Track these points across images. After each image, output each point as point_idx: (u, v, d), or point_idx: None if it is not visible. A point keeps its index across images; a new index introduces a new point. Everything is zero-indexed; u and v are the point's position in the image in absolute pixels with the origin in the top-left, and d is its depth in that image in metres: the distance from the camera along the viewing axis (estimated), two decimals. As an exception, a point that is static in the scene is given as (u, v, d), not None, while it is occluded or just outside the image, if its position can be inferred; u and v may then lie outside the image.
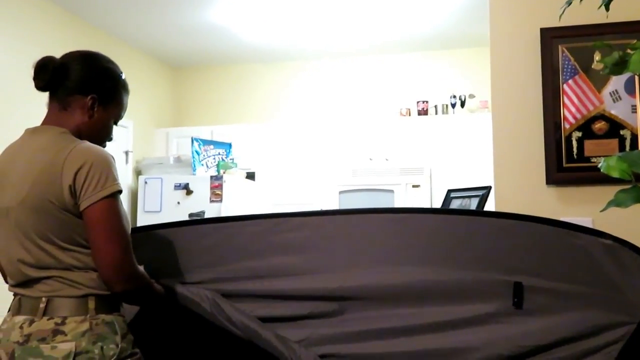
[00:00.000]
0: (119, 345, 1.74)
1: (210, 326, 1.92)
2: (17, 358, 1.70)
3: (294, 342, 1.84)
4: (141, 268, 1.80)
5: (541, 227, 1.84)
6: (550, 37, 2.60)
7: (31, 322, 1.72)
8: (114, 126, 1.98)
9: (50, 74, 1.88)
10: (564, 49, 2.59)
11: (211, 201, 5.93)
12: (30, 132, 1.88)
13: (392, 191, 6.02)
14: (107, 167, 1.75)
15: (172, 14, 5.64)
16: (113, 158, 1.80)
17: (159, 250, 1.96)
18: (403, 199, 5.96)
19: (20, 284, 1.79)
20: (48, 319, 1.71)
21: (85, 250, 1.75)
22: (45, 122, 1.91)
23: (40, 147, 1.79)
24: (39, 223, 1.73)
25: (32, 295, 1.76)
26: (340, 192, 6.18)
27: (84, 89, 1.88)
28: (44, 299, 1.73)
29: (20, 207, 1.75)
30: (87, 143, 1.80)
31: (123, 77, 2.00)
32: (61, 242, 1.73)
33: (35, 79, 1.88)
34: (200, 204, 5.89)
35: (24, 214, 1.74)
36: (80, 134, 1.85)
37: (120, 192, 1.76)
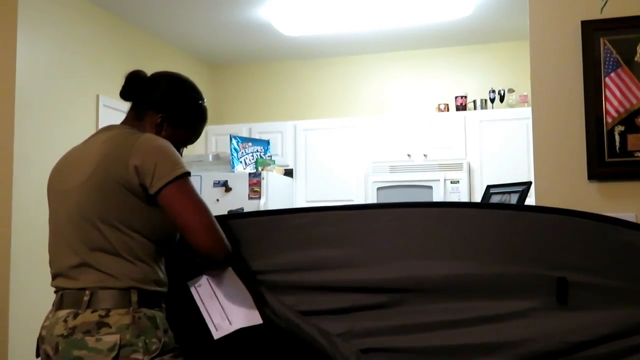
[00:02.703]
0: (162, 340, 1.77)
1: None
2: (61, 351, 1.74)
3: (335, 336, 1.86)
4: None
5: (585, 222, 1.81)
6: (592, 30, 2.56)
7: (75, 315, 1.76)
8: (184, 148, 2.10)
9: (133, 86, 2.01)
10: (605, 42, 2.55)
11: (250, 198, 5.97)
12: (102, 129, 2.00)
13: (430, 187, 5.98)
14: (174, 152, 1.85)
15: (211, 11, 5.68)
16: None
17: None
18: (442, 195, 5.92)
19: (63, 272, 1.84)
20: (92, 312, 1.75)
21: (139, 237, 1.80)
22: (121, 123, 2.03)
23: (108, 137, 1.90)
24: (99, 202, 1.80)
25: (74, 287, 1.80)
26: (379, 189, 6.17)
27: (158, 107, 1.99)
28: (87, 292, 1.77)
29: (83, 187, 1.82)
30: (152, 134, 1.92)
31: (203, 105, 2.10)
32: (118, 223, 1.79)
33: (122, 87, 2.01)
34: (239, 201, 5.93)
35: (86, 193, 1.81)
36: None
37: (189, 173, 1.85)
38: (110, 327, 1.73)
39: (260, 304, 1.91)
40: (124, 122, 2.01)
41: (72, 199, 1.84)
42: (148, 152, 1.80)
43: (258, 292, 1.92)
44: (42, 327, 1.85)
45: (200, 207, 1.81)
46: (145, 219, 1.81)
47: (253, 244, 1.98)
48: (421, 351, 1.82)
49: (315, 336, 1.86)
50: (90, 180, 1.81)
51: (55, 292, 1.87)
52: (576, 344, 1.74)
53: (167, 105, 1.99)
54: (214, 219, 1.83)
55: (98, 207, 1.80)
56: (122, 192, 1.79)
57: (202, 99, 2.10)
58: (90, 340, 1.72)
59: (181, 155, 2.06)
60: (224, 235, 1.83)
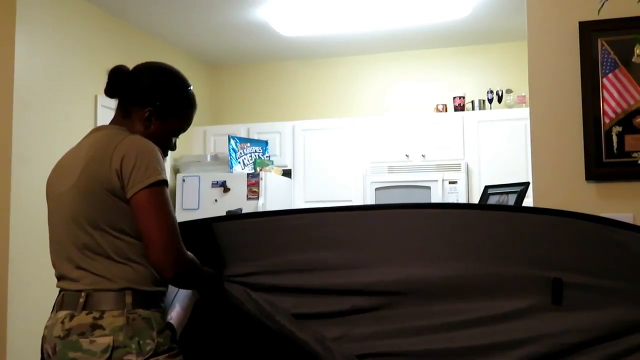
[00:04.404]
0: (156, 340, 1.77)
1: (252, 322, 1.94)
2: (58, 352, 1.76)
3: (330, 341, 1.85)
4: (190, 253, 1.83)
5: (580, 222, 1.81)
6: (589, 31, 2.57)
7: (72, 316, 1.77)
8: (176, 138, 2.05)
9: (116, 82, 1.97)
10: (603, 43, 2.55)
11: (248, 198, 5.97)
12: (93, 130, 1.98)
13: (428, 188, 5.99)
14: (154, 157, 1.81)
15: (209, 12, 5.68)
16: (161, 152, 1.87)
17: (200, 244, 1.99)
18: (440, 196, 5.93)
19: (63, 274, 1.85)
20: (87, 314, 1.76)
21: (128, 239, 1.80)
22: (109, 123, 2.00)
23: (96, 139, 1.89)
24: (87, 207, 1.79)
25: (73, 289, 1.80)
26: (377, 189, 6.17)
27: (143, 101, 1.95)
28: (83, 294, 1.78)
29: (72, 191, 1.82)
30: (138, 135, 1.88)
31: (190, 91, 2.04)
32: (107, 227, 1.78)
33: (106, 85, 1.97)
34: (237, 201, 5.93)
35: (75, 198, 1.81)
36: None
37: (166, 182, 1.81)
38: (104, 329, 1.73)
39: (255, 311, 1.91)
40: (113, 121, 1.99)
41: (64, 203, 1.84)
42: (128, 156, 1.78)
43: (254, 300, 1.92)
44: (45, 327, 1.86)
45: (165, 222, 1.76)
46: (133, 221, 1.79)
47: (251, 245, 1.98)
48: (418, 355, 1.82)
49: (311, 344, 1.85)
50: (77, 184, 1.81)
51: (59, 291, 1.88)
52: (572, 345, 1.74)
53: (152, 99, 1.95)
54: (177, 236, 1.78)
55: (86, 211, 1.79)
56: (107, 196, 1.78)
57: (188, 86, 2.04)
58: (84, 342, 1.73)
59: (174, 145, 2.05)
60: (183, 254, 1.79)
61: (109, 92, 1.98)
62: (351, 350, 1.84)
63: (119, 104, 2.00)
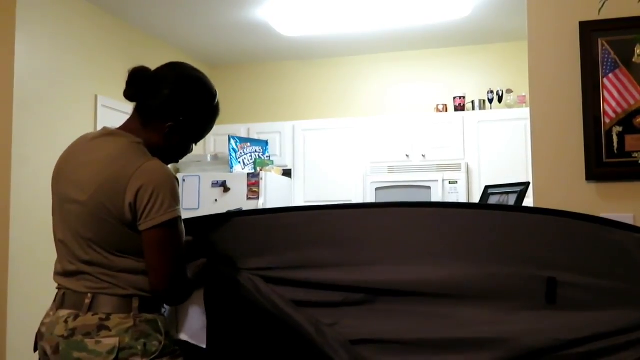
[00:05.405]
0: (162, 343, 1.77)
1: (251, 307, 1.94)
2: (61, 352, 1.73)
3: (325, 326, 1.86)
4: (189, 277, 1.85)
5: (575, 222, 1.83)
6: (590, 31, 2.56)
7: (76, 316, 1.75)
8: (195, 144, 2.02)
9: (136, 87, 1.87)
10: (603, 43, 2.55)
11: (248, 198, 5.97)
12: (108, 134, 1.87)
13: (429, 188, 5.99)
14: (170, 191, 1.77)
15: (209, 12, 5.68)
16: (177, 181, 1.82)
17: (202, 240, 2.00)
18: (440, 196, 5.93)
19: (65, 271, 1.82)
20: (93, 315, 1.74)
21: (135, 258, 1.78)
22: (124, 127, 1.90)
23: (112, 153, 1.80)
24: (95, 230, 1.76)
25: (77, 289, 1.79)
26: (377, 189, 6.17)
27: (164, 115, 1.86)
28: (89, 295, 1.76)
29: (80, 208, 1.78)
30: (157, 162, 1.80)
31: (215, 105, 1.99)
32: (113, 250, 1.77)
33: (125, 87, 1.88)
34: (238, 201, 5.93)
35: (83, 217, 1.77)
36: (152, 151, 1.85)
37: (180, 218, 1.79)
38: (110, 330, 1.72)
39: (252, 289, 1.92)
40: (129, 126, 1.88)
41: (70, 213, 1.81)
42: (143, 189, 1.73)
43: (251, 280, 1.92)
44: (42, 324, 1.84)
45: (170, 258, 1.76)
46: (141, 246, 1.77)
47: (249, 241, 1.99)
48: (412, 343, 1.83)
49: (305, 325, 1.86)
50: (88, 203, 1.76)
51: (57, 288, 1.86)
52: (565, 342, 1.75)
53: (174, 113, 1.86)
54: (180, 270, 1.79)
55: (94, 235, 1.77)
56: (116, 222, 1.75)
57: (214, 98, 1.96)
58: (90, 343, 1.71)
59: (192, 150, 2.01)
60: (182, 285, 1.81)
61: (128, 96, 1.88)
62: (345, 335, 1.85)
63: (137, 109, 1.90)
